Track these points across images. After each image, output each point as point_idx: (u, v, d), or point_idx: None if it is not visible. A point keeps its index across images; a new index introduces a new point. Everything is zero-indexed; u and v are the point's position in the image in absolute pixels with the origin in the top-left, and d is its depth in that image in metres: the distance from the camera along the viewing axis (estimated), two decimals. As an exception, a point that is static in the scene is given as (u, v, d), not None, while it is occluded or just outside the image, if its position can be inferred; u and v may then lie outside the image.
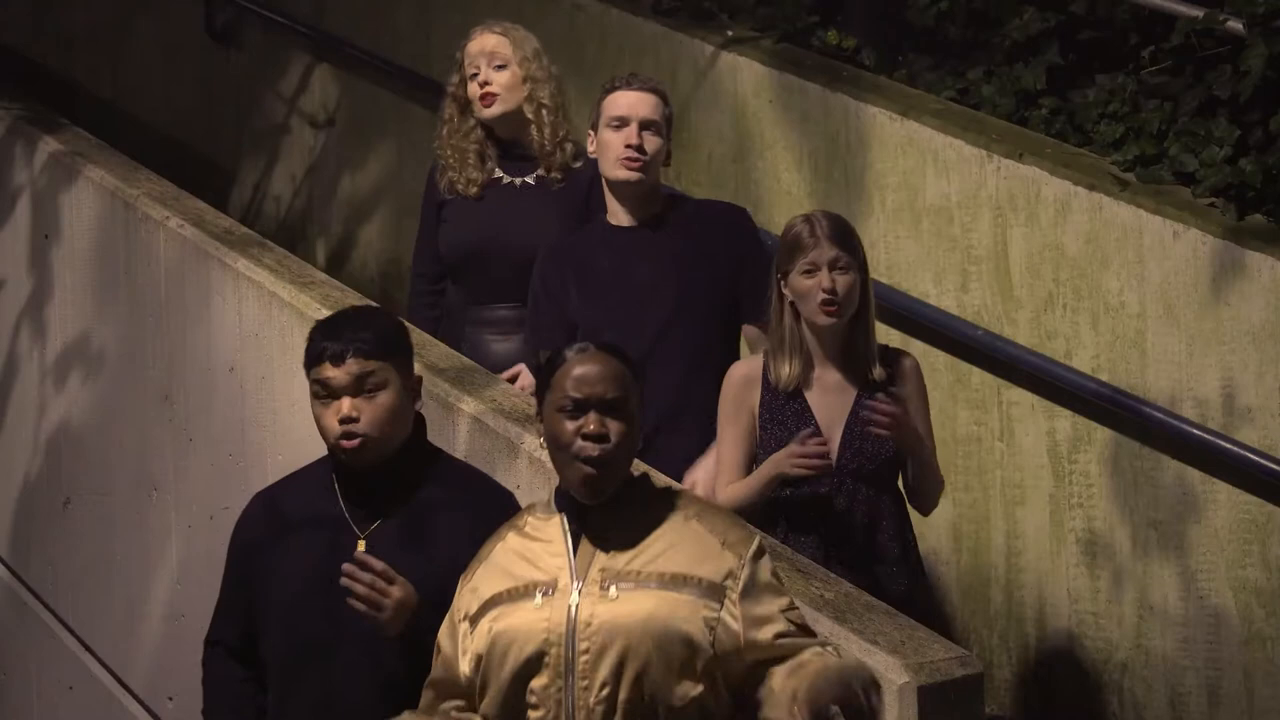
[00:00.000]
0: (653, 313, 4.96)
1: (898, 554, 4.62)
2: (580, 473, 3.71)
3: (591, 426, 3.71)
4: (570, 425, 3.72)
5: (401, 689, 3.88)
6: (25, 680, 6.86)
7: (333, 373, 4.01)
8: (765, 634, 3.66)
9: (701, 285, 4.98)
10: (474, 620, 3.74)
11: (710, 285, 4.99)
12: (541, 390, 3.82)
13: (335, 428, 4.00)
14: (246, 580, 4.14)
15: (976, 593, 5.76)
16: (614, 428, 3.72)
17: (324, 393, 4.02)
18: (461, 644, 3.76)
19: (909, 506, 4.72)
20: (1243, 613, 5.16)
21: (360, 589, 3.84)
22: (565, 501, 3.78)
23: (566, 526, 3.75)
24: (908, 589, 4.62)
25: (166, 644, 5.98)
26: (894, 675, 3.79)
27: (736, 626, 3.65)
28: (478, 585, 3.77)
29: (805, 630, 3.72)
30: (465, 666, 3.75)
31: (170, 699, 5.96)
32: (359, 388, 4.01)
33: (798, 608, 3.76)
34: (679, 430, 4.89)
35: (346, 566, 3.86)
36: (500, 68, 5.39)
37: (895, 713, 3.78)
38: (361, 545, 3.99)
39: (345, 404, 4.00)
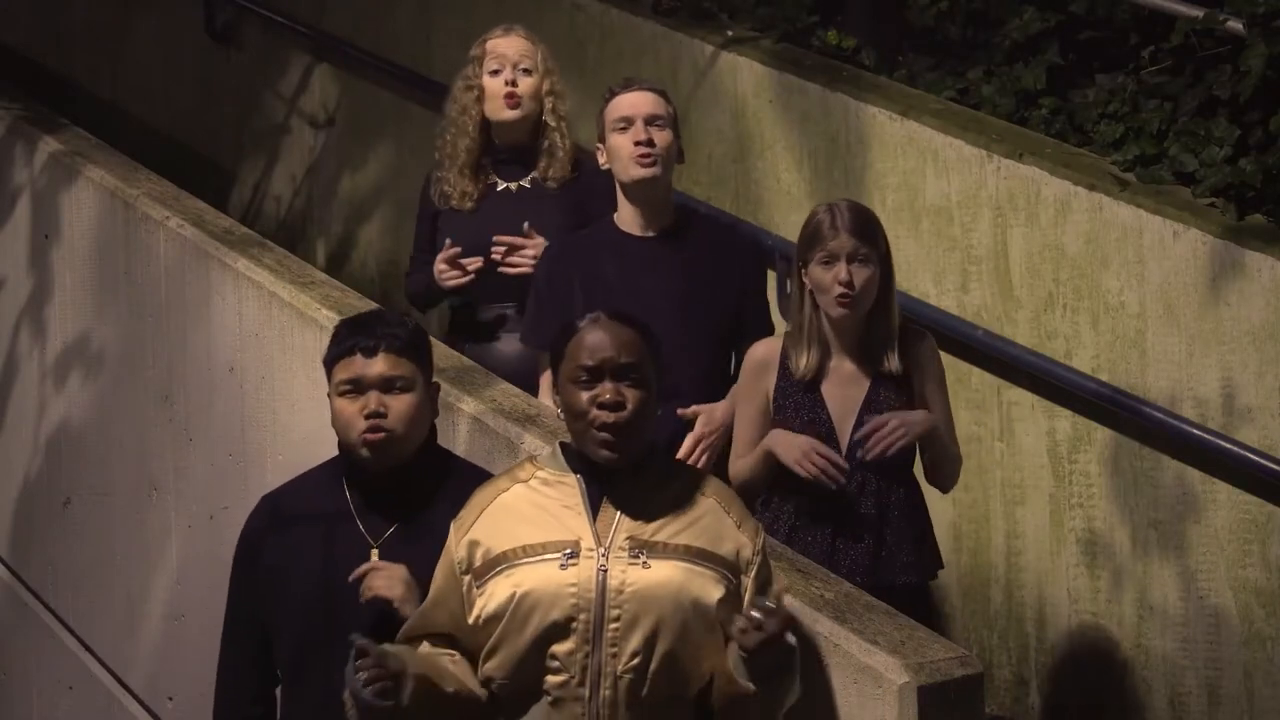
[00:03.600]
0: (659, 330, 4.91)
1: (908, 546, 4.59)
2: (599, 442, 3.67)
3: (607, 395, 3.67)
4: (585, 395, 3.69)
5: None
6: (25, 680, 6.86)
7: (364, 367, 4.00)
8: None
9: (707, 308, 4.92)
10: (480, 575, 3.69)
11: (717, 308, 4.93)
12: (555, 362, 3.78)
13: (360, 422, 3.99)
14: (257, 589, 4.10)
15: (976, 593, 5.76)
16: (630, 395, 3.68)
17: (352, 388, 4.01)
18: (466, 597, 3.70)
19: (927, 488, 4.70)
20: (1243, 613, 5.16)
21: (368, 592, 3.91)
22: (581, 464, 3.73)
23: (584, 489, 3.71)
24: (918, 583, 4.62)
25: (166, 644, 5.98)
26: (894, 675, 3.79)
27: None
28: (479, 538, 3.70)
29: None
30: (470, 620, 3.69)
31: (170, 699, 5.96)
32: (388, 385, 4.01)
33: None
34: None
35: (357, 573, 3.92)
36: (526, 73, 5.40)
37: (895, 713, 3.78)
38: (375, 555, 3.99)
39: (373, 398, 3.99)
